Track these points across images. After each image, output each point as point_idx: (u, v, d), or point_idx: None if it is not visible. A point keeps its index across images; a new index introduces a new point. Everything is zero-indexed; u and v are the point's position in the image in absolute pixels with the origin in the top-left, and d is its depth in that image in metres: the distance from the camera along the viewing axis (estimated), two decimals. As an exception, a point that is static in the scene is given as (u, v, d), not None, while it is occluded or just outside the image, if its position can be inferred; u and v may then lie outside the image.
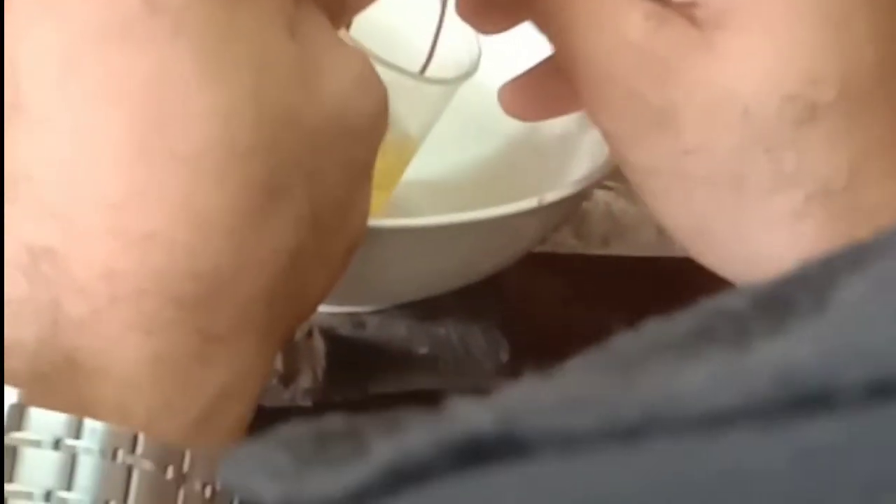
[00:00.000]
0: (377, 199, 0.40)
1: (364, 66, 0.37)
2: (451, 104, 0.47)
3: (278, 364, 0.47)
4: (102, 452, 0.32)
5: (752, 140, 0.39)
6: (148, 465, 0.33)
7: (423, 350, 0.46)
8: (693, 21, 0.40)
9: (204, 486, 0.34)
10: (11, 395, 0.32)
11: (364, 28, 0.43)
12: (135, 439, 0.33)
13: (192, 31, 0.34)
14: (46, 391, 0.32)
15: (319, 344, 0.47)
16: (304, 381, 0.46)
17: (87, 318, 0.34)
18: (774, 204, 0.40)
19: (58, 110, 0.34)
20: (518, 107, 0.49)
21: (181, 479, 0.33)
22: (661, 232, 0.56)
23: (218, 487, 0.34)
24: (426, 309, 0.47)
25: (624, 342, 0.23)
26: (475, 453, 0.21)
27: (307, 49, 0.36)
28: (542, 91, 0.48)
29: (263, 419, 0.34)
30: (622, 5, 0.41)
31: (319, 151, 0.36)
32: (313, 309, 0.38)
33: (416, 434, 0.22)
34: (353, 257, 0.39)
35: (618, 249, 0.56)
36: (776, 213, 0.40)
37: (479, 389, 0.23)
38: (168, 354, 0.34)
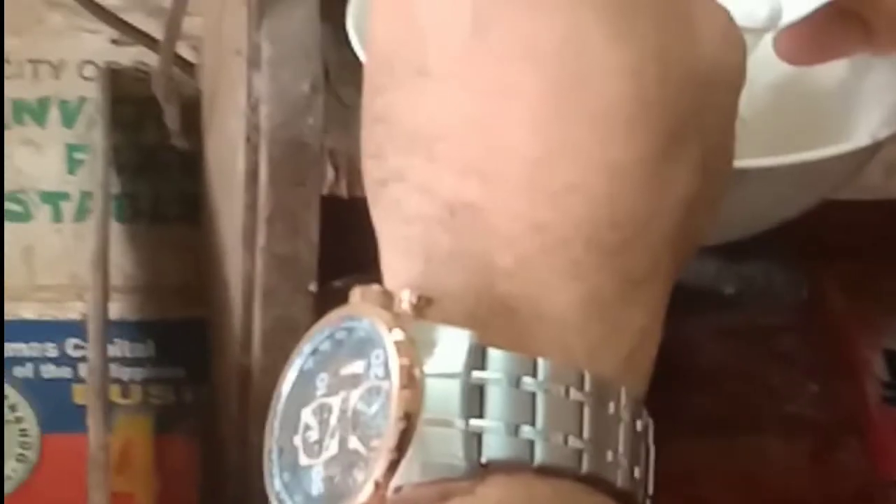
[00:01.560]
0: None
1: (728, 17, 0.40)
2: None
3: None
4: (554, 390, 0.34)
5: None
6: (595, 400, 0.35)
7: (730, 290, 0.49)
8: None
9: (634, 421, 0.36)
10: (467, 338, 0.34)
11: None
12: (582, 377, 0.35)
13: None
14: (489, 336, 0.34)
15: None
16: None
17: (518, 266, 0.36)
18: None
19: (471, 69, 0.36)
20: (794, 52, 0.51)
21: (616, 416, 0.35)
22: (888, 173, 0.58)
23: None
24: (732, 250, 0.49)
25: None
26: None
27: (685, 3, 0.38)
28: (819, 36, 0.50)
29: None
30: None
31: (706, 101, 0.38)
32: (696, 252, 0.40)
33: None
34: None
35: (845, 193, 0.57)
36: None
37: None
38: (596, 297, 0.36)
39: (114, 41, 0.87)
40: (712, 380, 0.72)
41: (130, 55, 0.87)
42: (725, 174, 0.40)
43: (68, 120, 0.89)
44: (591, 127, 0.36)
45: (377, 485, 0.33)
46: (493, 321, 0.35)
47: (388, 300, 0.35)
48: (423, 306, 0.34)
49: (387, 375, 0.33)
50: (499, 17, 0.36)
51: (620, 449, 0.35)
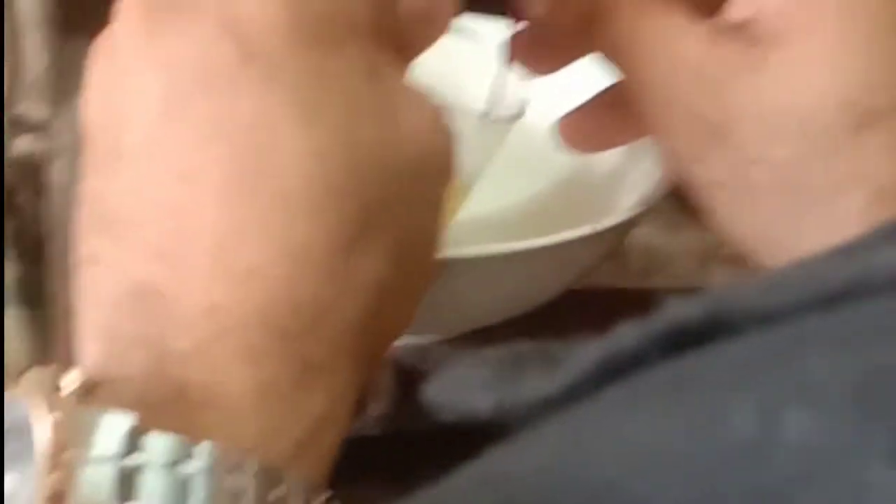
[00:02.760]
0: None
1: (435, 108, 0.40)
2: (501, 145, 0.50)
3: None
4: (213, 475, 0.34)
5: (809, 149, 0.41)
6: (255, 487, 0.34)
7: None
8: (749, 39, 0.42)
9: None
10: (126, 421, 0.34)
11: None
12: (244, 462, 0.34)
13: (286, 78, 0.37)
14: (158, 420, 0.34)
15: (386, 374, 0.49)
16: (373, 410, 0.49)
17: (193, 351, 0.36)
18: (837, 207, 0.42)
19: (160, 153, 0.37)
20: (574, 139, 0.51)
21: (283, 501, 0.35)
22: (701, 262, 0.58)
23: None
24: (485, 338, 0.50)
25: None
26: (683, 341, 0.24)
27: (387, 92, 0.39)
28: (597, 123, 0.51)
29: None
30: (681, 28, 0.43)
31: (403, 189, 0.38)
32: (395, 340, 0.40)
33: (625, 332, 0.24)
34: None
35: (658, 282, 0.57)
36: (838, 217, 0.42)
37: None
38: (272, 383, 0.36)
39: None
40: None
41: (27, 143, 0.87)
42: (426, 265, 0.40)
43: (-37, 207, 0.89)
44: (275, 210, 0.36)
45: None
46: (163, 406, 0.35)
47: (57, 383, 0.35)
48: (88, 390, 0.34)
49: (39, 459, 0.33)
50: (187, 101, 0.37)
51: None
